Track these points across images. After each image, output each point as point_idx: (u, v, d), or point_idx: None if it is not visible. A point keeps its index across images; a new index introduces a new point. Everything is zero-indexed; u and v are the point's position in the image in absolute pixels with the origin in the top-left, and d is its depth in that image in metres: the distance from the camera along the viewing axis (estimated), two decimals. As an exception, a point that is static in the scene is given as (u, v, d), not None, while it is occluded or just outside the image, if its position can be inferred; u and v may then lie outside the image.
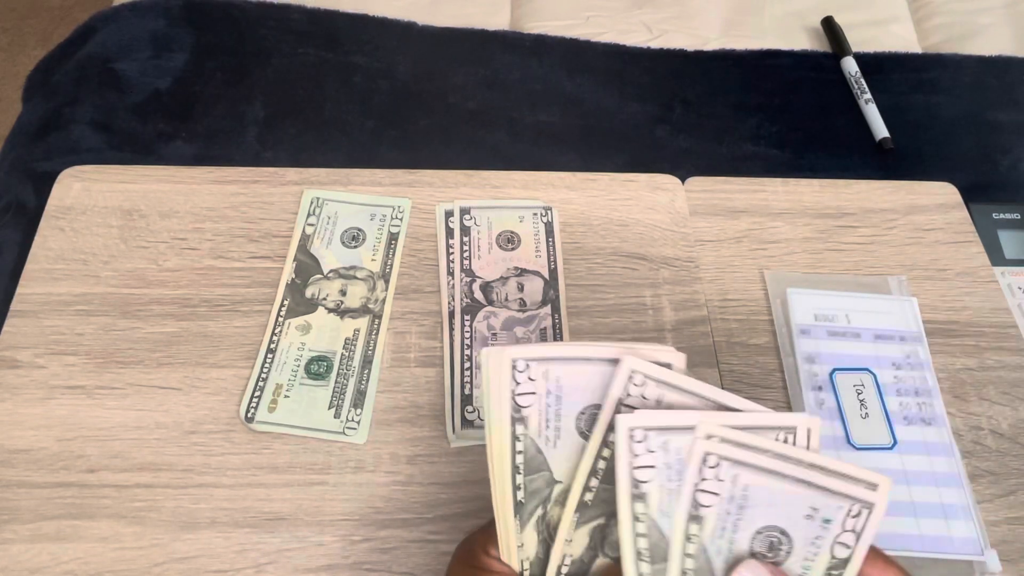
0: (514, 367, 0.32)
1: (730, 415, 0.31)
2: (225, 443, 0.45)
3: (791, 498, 0.31)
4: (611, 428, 0.32)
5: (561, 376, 0.32)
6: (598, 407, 0.33)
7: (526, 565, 0.33)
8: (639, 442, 0.31)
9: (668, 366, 0.32)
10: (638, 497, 0.31)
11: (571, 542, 0.33)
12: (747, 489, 0.31)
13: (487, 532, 0.34)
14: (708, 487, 0.31)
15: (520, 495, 0.33)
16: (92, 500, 0.43)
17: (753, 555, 0.31)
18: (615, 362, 0.32)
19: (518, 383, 0.32)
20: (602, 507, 0.33)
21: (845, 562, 0.31)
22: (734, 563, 0.31)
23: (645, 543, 0.31)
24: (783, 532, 0.31)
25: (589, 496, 0.33)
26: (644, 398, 0.32)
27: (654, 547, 0.31)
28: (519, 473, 0.33)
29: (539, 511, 0.33)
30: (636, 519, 0.31)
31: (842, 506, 0.30)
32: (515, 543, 0.33)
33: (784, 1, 0.74)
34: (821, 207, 0.57)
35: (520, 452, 0.33)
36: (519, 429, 0.33)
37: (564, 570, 0.34)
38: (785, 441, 0.31)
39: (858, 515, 0.30)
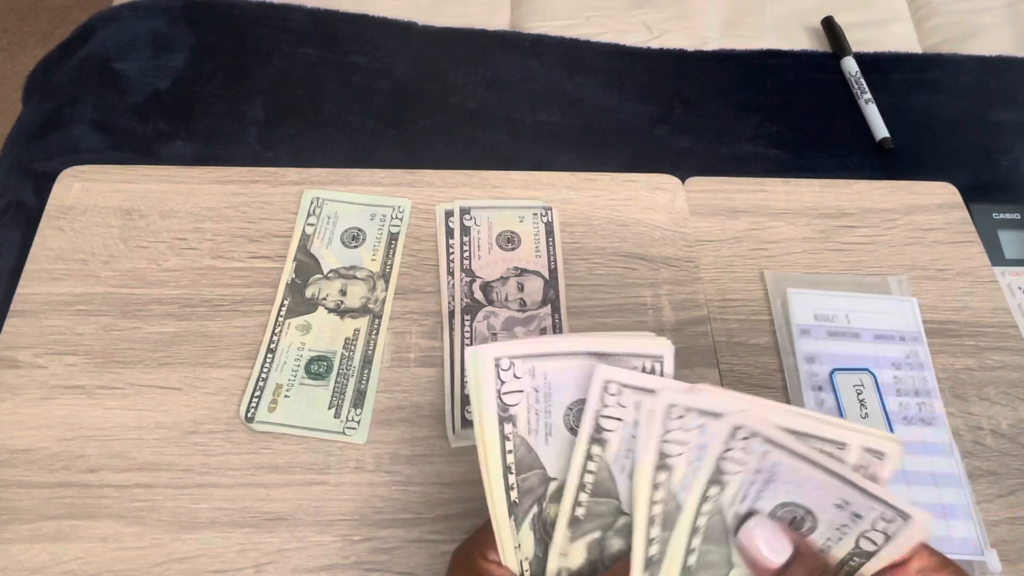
0: (498, 365, 0.32)
1: (785, 415, 0.30)
2: (225, 443, 0.45)
3: (823, 485, 0.30)
4: (594, 441, 0.32)
5: (548, 372, 0.32)
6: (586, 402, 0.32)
7: (525, 565, 0.33)
8: (677, 419, 0.30)
9: (660, 359, 0.32)
10: (661, 468, 0.31)
11: (567, 556, 0.33)
12: (776, 466, 0.30)
13: (483, 536, 0.34)
14: (735, 456, 0.30)
15: (514, 495, 0.33)
16: (92, 500, 0.43)
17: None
18: (601, 356, 0.32)
19: (503, 381, 0.32)
20: (596, 521, 0.33)
21: (869, 555, 0.31)
22: (747, 519, 0.31)
23: (660, 509, 0.31)
24: (808, 511, 0.31)
25: (580, 511, 0.32)
26: (622, 406, 0.32)
27: (668, 515, 0.31)
28: (511, 473, 0.32)
29: (534, 509, 0.33)
30: (655, 487, 0.31)
31: (875, 508, 0.30)
32: (512, 545, 0.33)
33: (784, 1, 0.74)
34: (821, 207, 0.57)
35: (510, 451, 0.32)
36: (507, 428, 0.32)
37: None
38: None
39: (892, 521, 0.30)
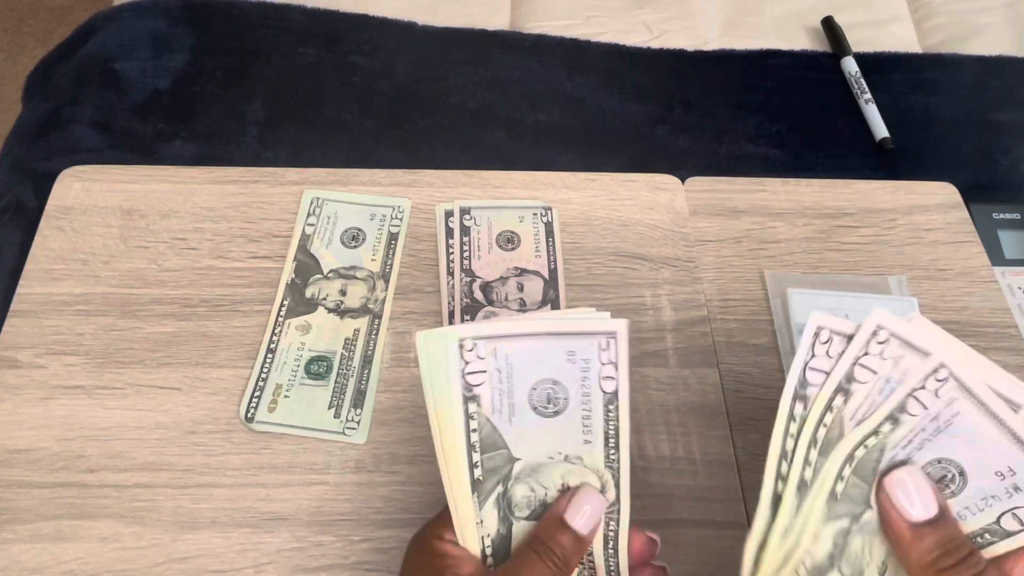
0: (461, 346, 0.32)
1: (987, 370, 0.30)
2: (225, 443, 0.45)
3: (995, 447, 0.30)
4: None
5: (510, 353, 0.32)
6: (550, 382, 0.33)
7: (487, 542, 0.34)
8: (879, 343, 0.31)
9: (613, 335, 0.32)
10: (840, 391, 0.31)
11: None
12: (955, 417, 0.30)
13: (440, 518, 0.34)
14: (923, 397, 0.30)
15: (478, 472, 0.33)
16: (92, 500, 0.43)
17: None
18: (560, 335, 0.32)
19: (467, 362, 0.32)
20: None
21: (1008, 534, 0.30)
22: (899, 465, 0.31)
23: (824, 433, 0.31)
24: (962, 472, 0.30)
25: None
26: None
27: (828, 442, 0.31)
28: (475, 451, 0.33)
29: (499, 488, 0.33)
30: (829, 409, 0.31)
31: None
32: (471, 524, 0.33)
33: (784, 1, 0.74)
34: (821, 207, 0.57)
35: (475, 431, 0.33)
36: (472, 408, 0.33)
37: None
38: None
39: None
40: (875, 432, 0.31)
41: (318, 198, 0.55)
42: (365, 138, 0.61)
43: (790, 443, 0.31)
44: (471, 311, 0.50)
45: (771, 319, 0.52)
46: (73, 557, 0.42)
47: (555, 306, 0.51)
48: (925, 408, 0.30)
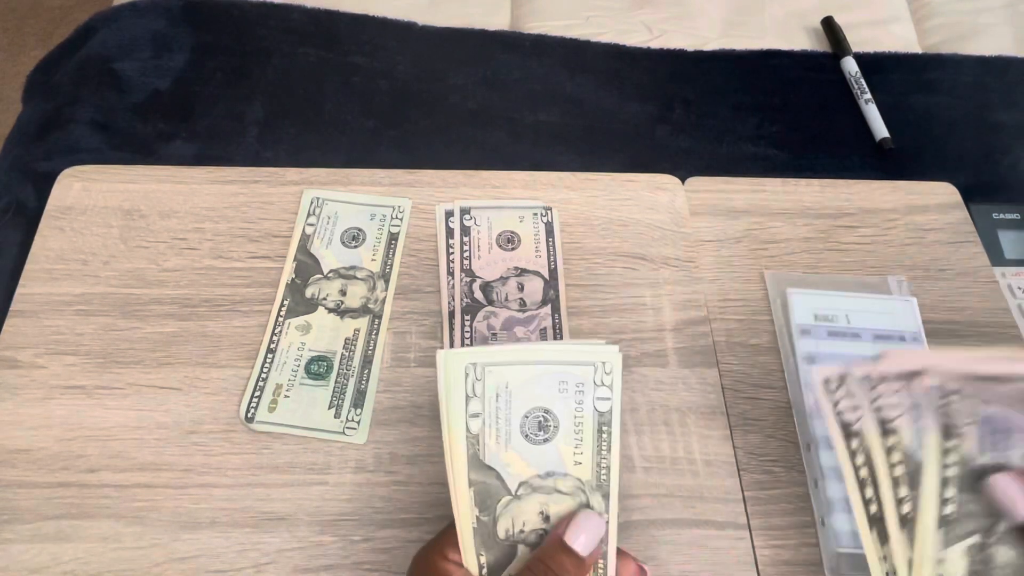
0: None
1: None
2: (225, 443, 0.45)
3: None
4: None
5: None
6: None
7: (482, 561, 0.34)
8: (875, 388, 0.33)
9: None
10: (888, 433, 0.33)
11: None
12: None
13: (445, 537, 0.34)
14: (958, 408, 0.32)
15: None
16: (92, 500, 0.43)
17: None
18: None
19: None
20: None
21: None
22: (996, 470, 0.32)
23: (902, 470, 0.33)
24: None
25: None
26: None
27: (912, 474, 0.33)
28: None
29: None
30: (889, 451, 0.33)
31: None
32: (473, 547, 0.33)
33: (784, 1, 0.74)
34: (821, 207, 0.57)
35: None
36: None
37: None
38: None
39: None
40: (945, 451, 0.32)
41: (318, 198, 0.55)
42: (365, 138, 0.61)
43: (864, 472, 0.33)
44: (471, 311, 0.50)
45: (771, 319, 0.52)
46: (73, 557, 0.42)
47: (555, 306, 0.51)
48: (971, 415, 0.32)
